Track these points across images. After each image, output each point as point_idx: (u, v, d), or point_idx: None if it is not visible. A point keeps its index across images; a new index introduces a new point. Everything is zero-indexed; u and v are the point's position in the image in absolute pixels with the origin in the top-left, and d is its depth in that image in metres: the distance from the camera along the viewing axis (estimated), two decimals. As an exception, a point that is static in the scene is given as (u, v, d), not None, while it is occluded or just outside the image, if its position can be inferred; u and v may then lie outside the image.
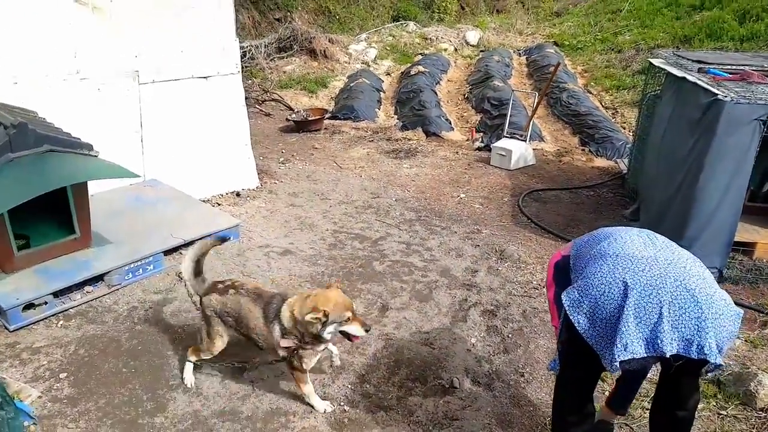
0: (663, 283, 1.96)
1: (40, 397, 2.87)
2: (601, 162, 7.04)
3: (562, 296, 2.13)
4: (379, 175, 6.53)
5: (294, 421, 2.79)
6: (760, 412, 2.85)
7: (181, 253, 4.34)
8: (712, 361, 1.90)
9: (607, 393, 2.79)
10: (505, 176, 6.53)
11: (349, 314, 2.59)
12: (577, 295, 2.09)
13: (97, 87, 4.71)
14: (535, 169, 6.78)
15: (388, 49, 13.26)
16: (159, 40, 4.98)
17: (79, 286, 3.76)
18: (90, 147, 3.79)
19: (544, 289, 3.98)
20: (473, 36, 14.38)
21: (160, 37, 4.98)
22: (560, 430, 2.36)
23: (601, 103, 9.33)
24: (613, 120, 8.40)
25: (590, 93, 9.80)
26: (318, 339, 2.62)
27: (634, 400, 2.72)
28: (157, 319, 3.58)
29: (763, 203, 4.76)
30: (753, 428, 2.79)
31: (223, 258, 4.36)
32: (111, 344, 3.32)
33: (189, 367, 3.03)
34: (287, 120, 8.60)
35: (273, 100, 9.75)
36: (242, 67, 5.79)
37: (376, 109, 9.41)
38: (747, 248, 4.39)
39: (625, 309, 1.95)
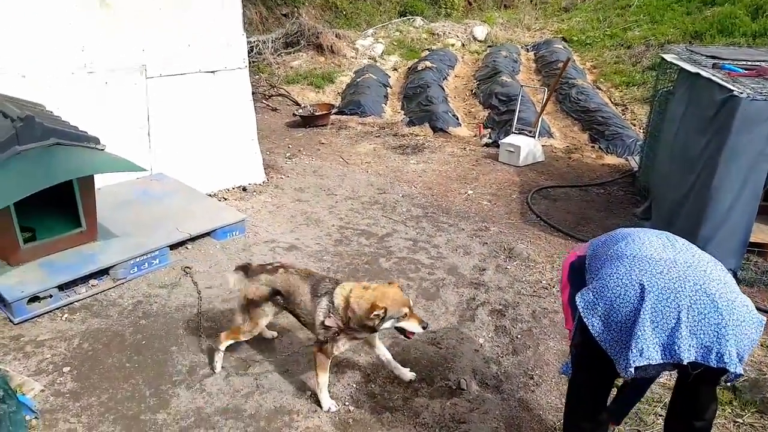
0: (681, 286, 1.89)
1: (42, 390, 2.85)
2: (611, 159, 6.95)
3: (576, 298, 2.07)
4: (385, 170, 6.47)
5: (298, 420, 2.75)
6: (777, 420, 2.78)
7: (187, 248, 4.32)
8: (732, 371, 1.82)
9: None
10: (514, 173, 6.46)
11: (406, 310, 2.60)
12: (592, 297, 2.02)
13: (105, 81, 4.69)
14: (544, 166, 6.70)
15: (395, 44, 13.18)
16: (166, 35, 4.96)
17: (85, 279, 3.74)
18: (97, 140, 3.77)
19: (554, 289, 3.93)
20: (481, 31, 14.26)
21: (167, 31, 4.96)
22: None
23: (610, 100, 9.22)
24: (623, 116, 8.29)
25: (599, 89, 9.68)
26: (368, 329, 2.62)
27: (647, 406, 2.65)
28: (161, 314, 3.55)
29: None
30: (769, 436, 2.72)
31: (228, 253, 4.32)
32: (115, 338, 3.30)
33: (220, 355, 3.06)
34: (294, 115, 8.56)
35: (280, 95, 9.70)
36: (249, 62, 5.76)
37: (383, 105, 9.35)
38: (762, 249, 4.27)
39: (641, 312, 1.89)
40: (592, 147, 7.40)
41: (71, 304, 3.59)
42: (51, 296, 3.49)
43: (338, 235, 4.78)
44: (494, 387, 3.02)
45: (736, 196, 3.88)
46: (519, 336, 3.46)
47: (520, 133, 6.96)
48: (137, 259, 3.91)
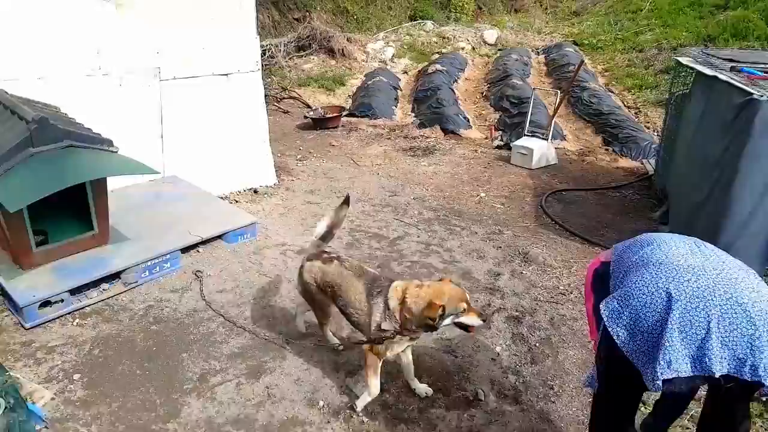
0: (711, 295, 1.82)
1: (53, 398, 2.81)
2: (625, 162, 6.85)
3: (601, 306, 2.00)
4: (396, 172, 6.42)
5: None
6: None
7: (198, 251, 4.28)
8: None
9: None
10: (527, 175, 6.38)
11: (464, 305, 2.53)
12: (617, 305, 1.95)
13: (119, 83, 4.69)
14: (557, 169, 6.62)
15: (406, 48, 13.16)
16: (181, 37, 4.95)
17: (96, 283, 3.71)
18: (110, 143, 3.75)
19: (572, 295, 3.85)
20: (491, 35, 14.20)
21: (181, 34, 4.95)
22: None
23: (623, 103, 9.11)
24: (636, 120, 8.19)
25: (611, 92, 9.58)
26: (428, 328, 2.56)
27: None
28: (172, 319, 3.51)
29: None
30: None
31: (239, 256, 4.28)
32: (126, 345, 3.26)
33: (328, 333, 3.21)
34: (305, 117, 8.54)
35: (291, 97, 9.70)
36: (262, 66, 5.74)
37: (394, 107, 9.32)
38: (785, 256, 4.18)
39: (668, 322, 1.81)
40: (606, 150, 7.31)
41: (83, 308, 3.55)
42: (62, 301, 3.46)
43: (349, 238, 4.72)
44: (513, 398, 2.94)
45: (758, 201, 3.78)
46: (537, 344, 3.37)
47: (532, 136, 6.89)
48: (149, 263, 3.88)
